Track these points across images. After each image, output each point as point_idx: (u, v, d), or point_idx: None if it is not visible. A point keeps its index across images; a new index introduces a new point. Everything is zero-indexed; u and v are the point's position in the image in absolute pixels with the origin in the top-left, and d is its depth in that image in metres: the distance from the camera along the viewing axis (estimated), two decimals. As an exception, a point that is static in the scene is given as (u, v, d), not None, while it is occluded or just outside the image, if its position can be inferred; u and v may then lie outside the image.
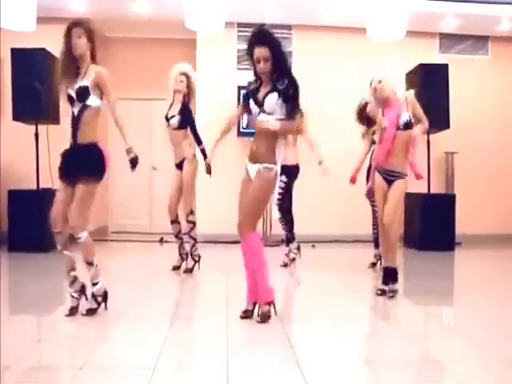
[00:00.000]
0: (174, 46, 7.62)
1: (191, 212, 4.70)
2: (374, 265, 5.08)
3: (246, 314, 3.14)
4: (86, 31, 3.10)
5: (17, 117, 5.85)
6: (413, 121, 3.71)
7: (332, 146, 7.14)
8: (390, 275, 3.75)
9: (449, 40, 7.45)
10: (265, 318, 3.04)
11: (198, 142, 4.65)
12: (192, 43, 7.16)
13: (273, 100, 3.03)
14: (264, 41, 2.99)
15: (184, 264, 4.78)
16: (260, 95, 3.10)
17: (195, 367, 2.42)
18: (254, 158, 3.12)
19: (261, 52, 2.98)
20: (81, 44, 3.08)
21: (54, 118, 5.84)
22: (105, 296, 3.23)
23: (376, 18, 5.68)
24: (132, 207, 7.99)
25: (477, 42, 7.47)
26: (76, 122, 3.12)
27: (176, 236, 4.80)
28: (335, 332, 2.95)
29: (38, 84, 5.60)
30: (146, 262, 5.37)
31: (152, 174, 7.95)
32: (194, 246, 4.76)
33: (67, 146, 3.19)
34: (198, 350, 2.69)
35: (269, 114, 3.06)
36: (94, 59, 3.17)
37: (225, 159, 6.91)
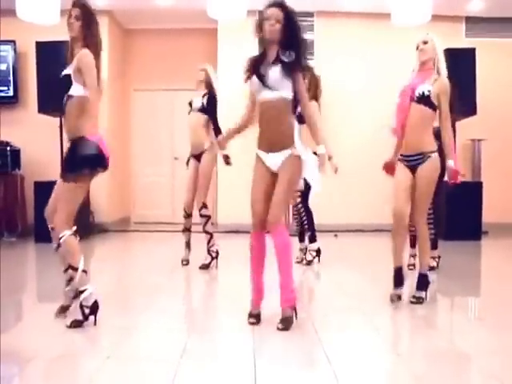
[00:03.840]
0: (195, 35, 7.61)
1: (204, 206, 4.40)
2: (415, 266, 4.20)
3: (256, 319, 2.79)
4: (81, 11, 2.78)
5: (42, 109, 5.93)
6: (431, 96, 3.14)
7: (352, 133, 7.06)
8: (400, 278, 3.28)
9: (475, 23, 7.22)
10: (288, 323, 2.68)
11: (217, 132, 4.23)
12: (213, 33, 7.12)
13: (275, 73, 2.69)
14: (279, 4, 2.72)
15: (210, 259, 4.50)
16: (262, 68, 2.74)
17: (222, 360, 2.41)
18: (274, 146, 2.75)
19: (272, 11, 2.69)
20: (73, 25, 2.77)
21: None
22: (94, 308, 2.74)
23: (400, 2, 5.55)
24: (154, 198, 8.04)
25: (505, 24, 7.23)
26: (65, 114, 2.78)
27: (187, 229, 4.57)
28: (363, 324, 2.90)
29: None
30: (169, 253, 5.39)
31: (174, 164, 7.98)
32: (210, 240, 4.45)
33: None
34: (224, 343, 2.65)
35: (272, 89, 2.71)
36: (86, 43, 2.76)
37: (245, 148, 6.92)
